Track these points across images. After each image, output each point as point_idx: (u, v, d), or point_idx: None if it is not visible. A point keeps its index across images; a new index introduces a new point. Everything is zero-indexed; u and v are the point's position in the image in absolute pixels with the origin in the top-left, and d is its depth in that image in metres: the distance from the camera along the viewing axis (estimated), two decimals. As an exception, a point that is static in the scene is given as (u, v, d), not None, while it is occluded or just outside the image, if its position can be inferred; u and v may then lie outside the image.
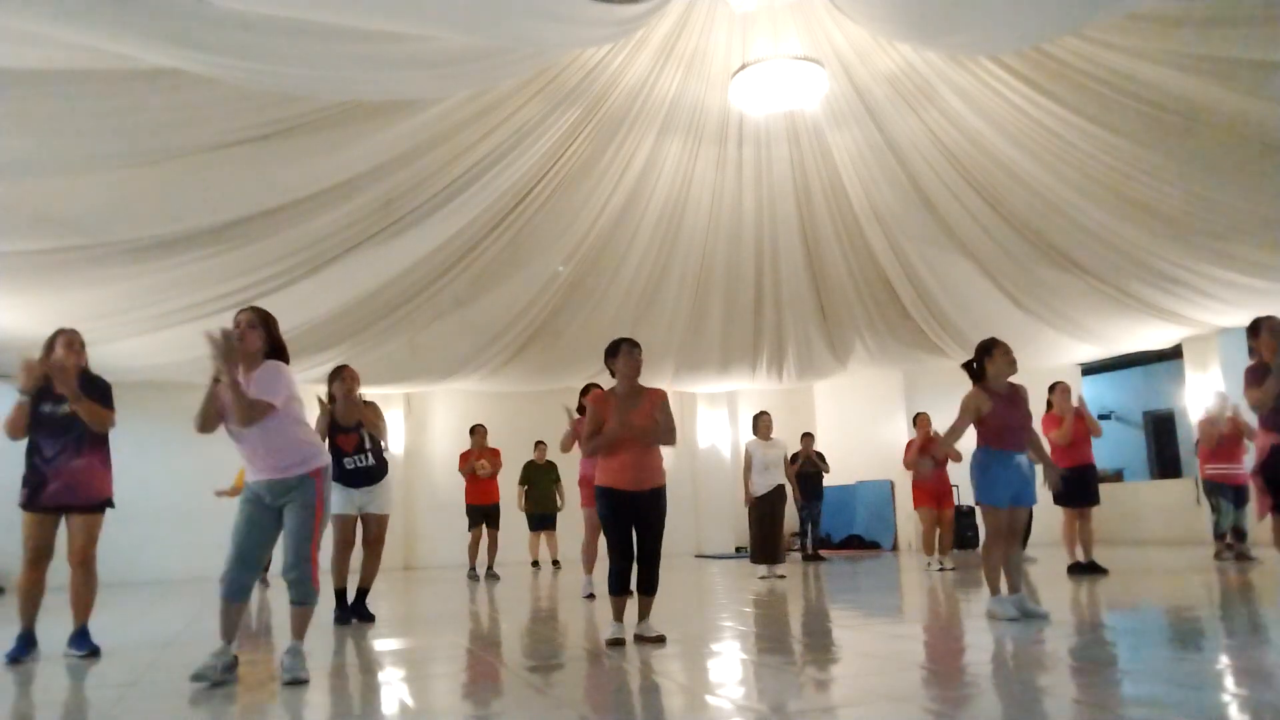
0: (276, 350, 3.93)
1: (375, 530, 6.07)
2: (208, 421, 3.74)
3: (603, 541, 4.71)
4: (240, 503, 3.81)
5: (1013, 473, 4.97)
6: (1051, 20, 5.61)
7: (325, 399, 6.12)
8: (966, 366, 5.21)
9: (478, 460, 9.70)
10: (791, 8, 6.97)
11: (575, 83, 7.38)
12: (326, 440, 5.99)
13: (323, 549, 5.93)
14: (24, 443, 4.62)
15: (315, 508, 3.79)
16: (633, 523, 4.51)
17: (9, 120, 5.51)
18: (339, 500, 5.94)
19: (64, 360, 4.52)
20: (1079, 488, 7.64)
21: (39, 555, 4.57)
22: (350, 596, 6.01)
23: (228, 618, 3.76)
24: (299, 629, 3.83)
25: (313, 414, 5.24)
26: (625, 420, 4.49)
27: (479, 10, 4.92)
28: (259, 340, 3.84)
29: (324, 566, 5.94)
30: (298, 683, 3.60)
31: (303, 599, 3.81)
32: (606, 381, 4.86)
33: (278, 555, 3.90)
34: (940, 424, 9.24)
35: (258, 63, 5.17)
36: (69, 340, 4.65)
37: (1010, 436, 5.01)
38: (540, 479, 10.61)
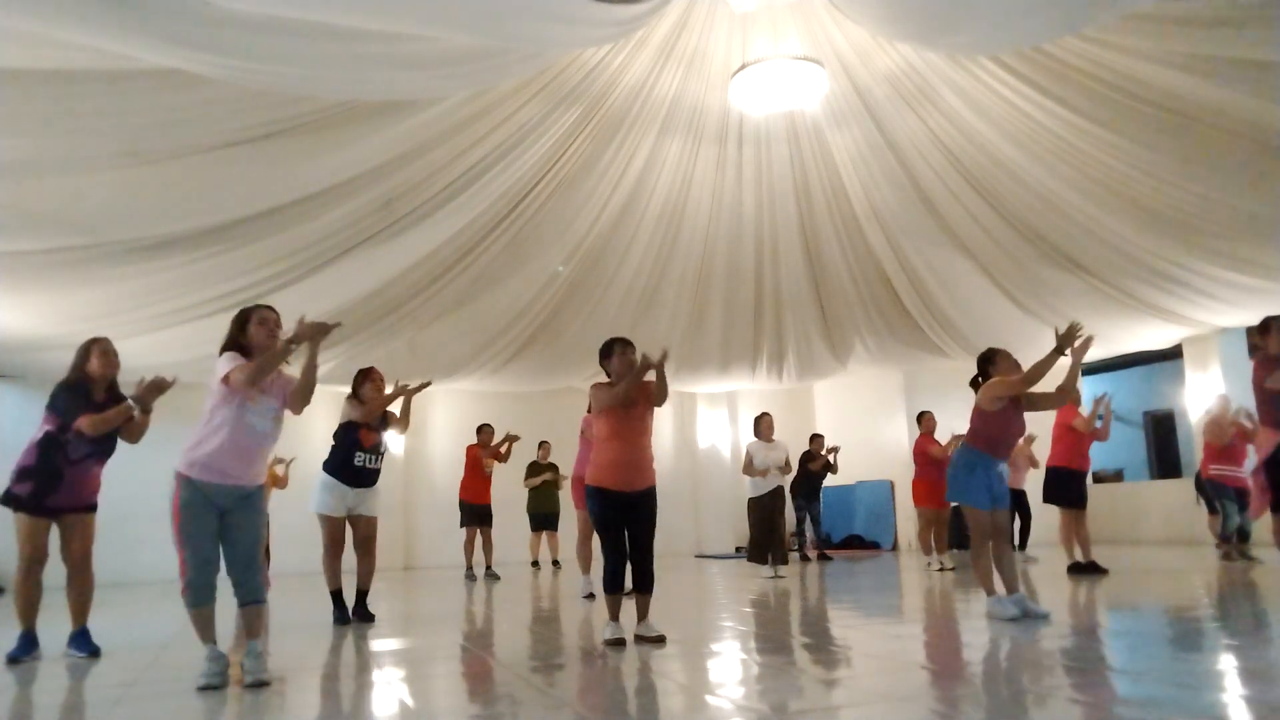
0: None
1: (365, 530, 6.00)
2: (261, 377, 3.69)
3: (597, 541, 4.71)
4: (183, 505, 3.64)
5: (994, 478, 5.02)
6: (1052, 20, 5.61)
7: (352, 399, 6.12)
8: (973, 383, 5.24)
9: (488, 459, 9.71)
10: (791, 8, 6.97)
11: (575, 83, 7.38)
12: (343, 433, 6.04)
13: (313, 552, 6.02)
14: (21, 440, 4.65)
15: (265, 514, 3.94)
16: (625, 522, 4.51)
17: (9, 120, 5.51)
18: (330, 501, 5.90)
19: (103, 373, 4.71)
20: (1072, 489, 7.63)
21: (36, 561, 4.59)
22: (349, 600, 5.99)
23: (204, 623, 3.71)
24: (256, 628, 3.79)
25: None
26: (625, 409, 4.50)
27: (480, 10, 4.92)
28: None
29: (316, 568, 6.02)
30: (260, 684, 3.56)
31: (256, 598, 3.78)
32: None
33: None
34: (941, 424, 9.31)
35: (258, 63, 5.17)
36: (104, 350, 4.73)
37: (1002, 444, 5.04)
38: (547, 481, 10.62)
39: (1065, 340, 4.76)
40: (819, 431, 12.42)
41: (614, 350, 4.68)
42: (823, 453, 10.68)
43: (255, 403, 3.73)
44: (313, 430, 11.33)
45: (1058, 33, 6.11)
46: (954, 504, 9.22)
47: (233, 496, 3.72)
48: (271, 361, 3.70)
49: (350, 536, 6.01)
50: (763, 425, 8.65)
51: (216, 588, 3.72)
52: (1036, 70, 6.91)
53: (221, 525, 3.72)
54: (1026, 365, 4.95)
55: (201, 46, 4.82)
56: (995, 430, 5.03)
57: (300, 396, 3.85)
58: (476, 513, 9.75)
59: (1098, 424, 7.57)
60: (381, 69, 5.63)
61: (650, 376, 4.52)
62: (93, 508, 4.75)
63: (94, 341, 4.75)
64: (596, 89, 7.56)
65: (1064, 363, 4.96)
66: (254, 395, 3.73)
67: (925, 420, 9.26)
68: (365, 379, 6.07)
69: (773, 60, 6.91)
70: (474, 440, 10.06)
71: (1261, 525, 9.22)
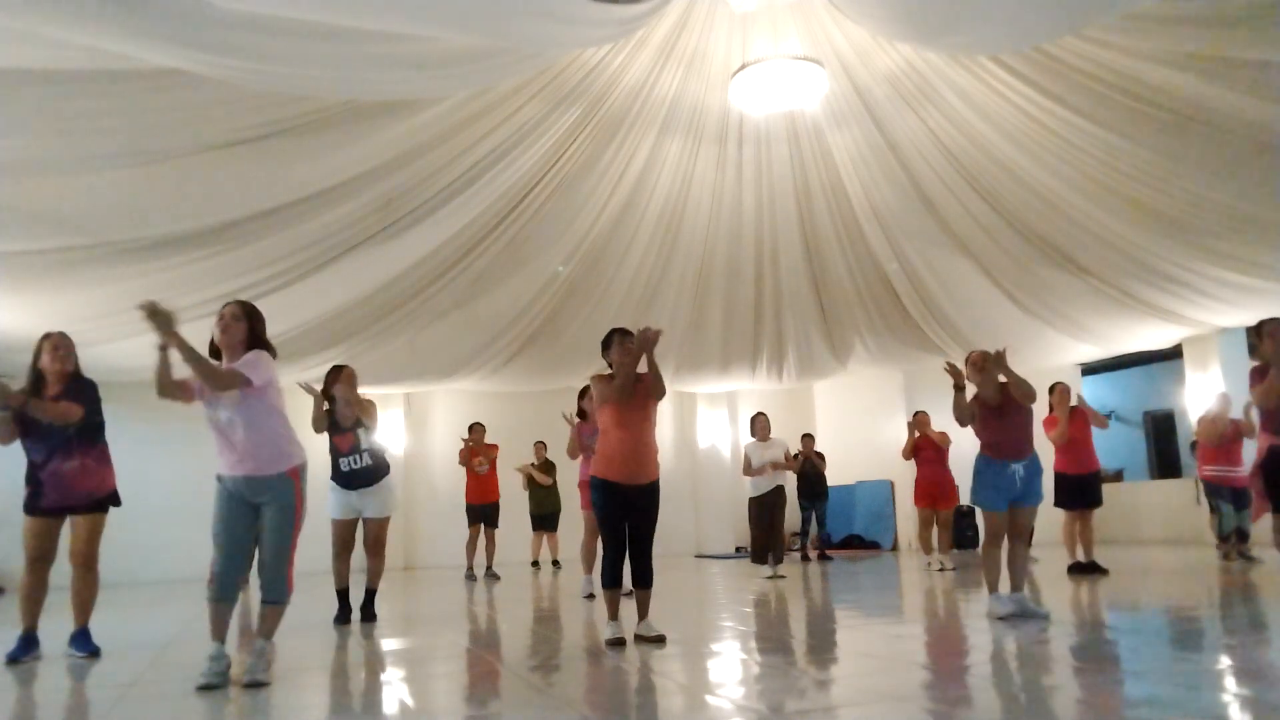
0: (259, 345, 3.91)
1: (374, 533, 6.03)
2: (164, 388, 3.70)
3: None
4: (216, 500, 3.75)
5: (1007, 479, 5.00)
6: (1052, 20, 5.61)
7: (324, 399, 6.10)
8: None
9: (475, 459, 9.72)
10: (791, 8, 6.97)
11: (575, 83, 7.37)
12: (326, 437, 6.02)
13: (318, 550, 6.03)
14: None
15: (294, 508, 3.79)
16: (627, 516, 4.54)
17: (9, 120, 5.51)
18: (336, 503, 5.95)
19: (53, 368, 4.62)
20: (1081, 492, 7.64)
21: (38, 559, 4.58)
22: (356, 597, 6.01)
23: (218, 618, 3.72)
24: (268, 628, 3.81)
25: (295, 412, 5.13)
26: (626, 400, 4.53)
27: (479, 10, 4.92)
28: (241, 332, 3.84)
29: (325, 567, 6.05)
30: (256, 684, 3.57)
31: (276, 598, 3.79)
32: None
33: None
34: (941, 424, 9.31)
35: (258, 63, 5.17)
36: (54, 345, 4.68)
37: (1005, 447, 5.03)
38: (530, 481, 10.61)
39: (955, 376, 5.14)
40: (818, 433, 12.50)
41: (614, 341, 4.72)
42: (813, 452, 10.74)
43: (208, 401, 3.74)
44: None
45: (1058, 33, 6.11)
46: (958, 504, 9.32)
47: (256, 488, 3.73)
48: (198, 370, 3.61)
49: (361, 538, 6.04)
50: (758, 425, 8.71)
51: (238, 589, 3.76)
52: (1036, 70, 6.91)
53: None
54: (1026, 365, 4.96)
55: (201, 46, 4.81)
56: (989, 434, 5.07)
57: (209, 384, 3.65)
58: (482, 512, 9.75)
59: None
60: (381, 69, 5.63)
61: (643, 366, 4.56)
62: (100, 505, 4.68)
63: (45, 337, 4.72)
64: (596, 89, 7.56)
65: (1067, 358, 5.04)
66: (204, 395, 3.74)
67: (918, 419, 9.27)
68: (335, 378, 6.04)
69: (773, 60, 6.91)
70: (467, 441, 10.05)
71: (1260, 525, 9.25)
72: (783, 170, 9.06)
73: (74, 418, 4.55)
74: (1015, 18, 5.51)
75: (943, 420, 9.40)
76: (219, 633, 3.72)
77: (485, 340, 10.97)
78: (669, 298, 10.82)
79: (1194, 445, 9.10)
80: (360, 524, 6.03)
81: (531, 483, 10.60)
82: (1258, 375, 5.24)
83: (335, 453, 5.97)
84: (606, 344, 4.76)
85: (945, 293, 10.48)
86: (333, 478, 6.00)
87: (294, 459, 3.83)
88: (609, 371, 4.76)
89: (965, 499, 9.38)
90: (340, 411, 5.97)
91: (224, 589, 3.71)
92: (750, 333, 11.94)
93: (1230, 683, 3.26)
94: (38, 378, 4.65)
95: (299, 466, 3.84)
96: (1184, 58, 6.29)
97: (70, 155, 6.07)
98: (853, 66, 7.55)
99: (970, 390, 5.19)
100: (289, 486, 3.78)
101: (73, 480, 4.59)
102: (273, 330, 4.09)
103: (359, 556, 6.02)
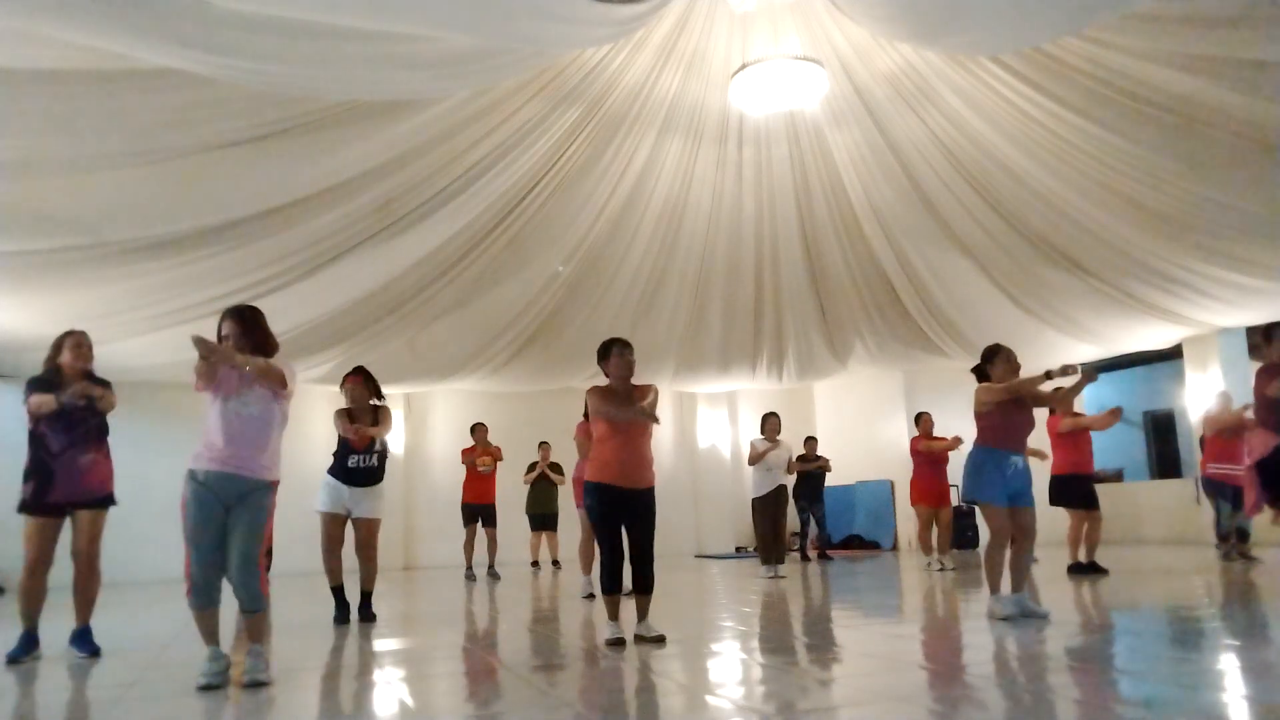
0: (267, 345, 3.90)
1: (365, 534, 6.02)
2: (208, 379, 3.70)
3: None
4: (188, 501, 3.65)
5: (1008, 473, 4.98)
6: (1052, 21, 5.61)
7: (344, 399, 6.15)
8: (975, 371, 5.25)
9: (480, 457, 9.72)
10: (791, 8, 6.97)
11: (575, 83, 7.38)
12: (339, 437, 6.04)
13: (315, 551, 6.02)
14: (24, 444, 4.63)
15: (268, 514, 3.81)
16: (623, 520, 4.53)
17: (9, 120, 5.51)
18: (328, 498, 5.96)
19: (74, 365, 4.67)
20: (1080, 492, 7.65)
21: (41, 562, 4.57)
22: (352, 597, 6.01)
23: (206, 624, 3.71)
24: (257, 634, 3.79)
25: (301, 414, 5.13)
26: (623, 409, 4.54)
27: (479, 10, 4.92)
28: (248, 345, 3.83)
29: (321, 566, 6.05)
30: (257, 684, 3.57)
31: (254, 606, 3.75)
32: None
33: None
34: (941, 424, 9.34)
35: (258, 63, 5.17)
36: (77, 342, 4.72)
37: (1011, 438, 5.03)
38: (542, 479, 10.61)
39: (1056, 373, 4.92)
40: (818, 433, 12.50)
41: (611, 352, 4.67)
42: (814, 459, 10.78)
43: (239, 395, 3.73)
44: (313, 428, 11.35)
45: (1058, 33, 6.11)
46: (963, 504, 9.31)
47: (235, 490, 3.69)
48: (204, 370, 3.66)
49: (352, 539, 6.04)
50: (768, 425, 8.74)
51: (220, 591, 3.71)
52: (1036, 70, 6.91)
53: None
54: (1025, 365, 4.96)
55: (201, 46, 4.81)
56: (998, 426, 5.04)
57: (266, 382, 3.77)
58: (476, 512, 9.74)
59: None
60: (381, 69, 5.63)
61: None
62: (103, 502, 4.70)
63: (67, 334, 4.75)
64: (596, 89, 7.56)
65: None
66: (235, 389, 3.73)
67: (923, 421, 9.31)
68: (343, 382, 6.13)
69: (773, 60, 6.91)
70: (468, 441, 10.06)
71: (1261, 525, 9.24)
72: (783, 170, 9.06)
73: (114, 403, 4.71)
74: (1015, 18, 5.51)
75: (944, 420, 9.47)
76: (211, 637, 3.71)
77: (485, 340, 10.98)
78: (669, 298, 10.82)
79: (1203, 443, 9.09)
80: (350, 524, 6.03)
81: (534, 483, 10.59)
82: (1270, 372, 5.25)
83: (347, 449, 5.98)
84: (604, 354, 4.70)
85: (945, 293, 10.49)
86: (331, 472, 6.00)
87: (277, 473, 3.88)
88: (605, 383, 4.73)
89: (956, 499, 9.51)
90: (358, 410, 6.02)
91: (205, 596, 3.65)
92: (750, 333, 11.94)
93: (1230, 683, 3.26)
94: (55, 372, 4.66)
95: (277, 482, 3.89)
96: (1184, 58, 6.29)
97: (70, 155, 6.07)
98: (853, 66, 7.55)
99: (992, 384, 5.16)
100: (266, 494, 3.79)
101: (84, 472, 4.62)
102: (273, 330, 4.08)
103: (349, 557, 6.01)
